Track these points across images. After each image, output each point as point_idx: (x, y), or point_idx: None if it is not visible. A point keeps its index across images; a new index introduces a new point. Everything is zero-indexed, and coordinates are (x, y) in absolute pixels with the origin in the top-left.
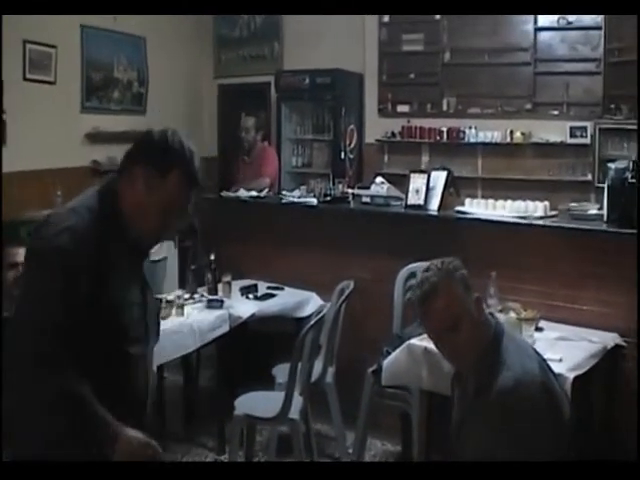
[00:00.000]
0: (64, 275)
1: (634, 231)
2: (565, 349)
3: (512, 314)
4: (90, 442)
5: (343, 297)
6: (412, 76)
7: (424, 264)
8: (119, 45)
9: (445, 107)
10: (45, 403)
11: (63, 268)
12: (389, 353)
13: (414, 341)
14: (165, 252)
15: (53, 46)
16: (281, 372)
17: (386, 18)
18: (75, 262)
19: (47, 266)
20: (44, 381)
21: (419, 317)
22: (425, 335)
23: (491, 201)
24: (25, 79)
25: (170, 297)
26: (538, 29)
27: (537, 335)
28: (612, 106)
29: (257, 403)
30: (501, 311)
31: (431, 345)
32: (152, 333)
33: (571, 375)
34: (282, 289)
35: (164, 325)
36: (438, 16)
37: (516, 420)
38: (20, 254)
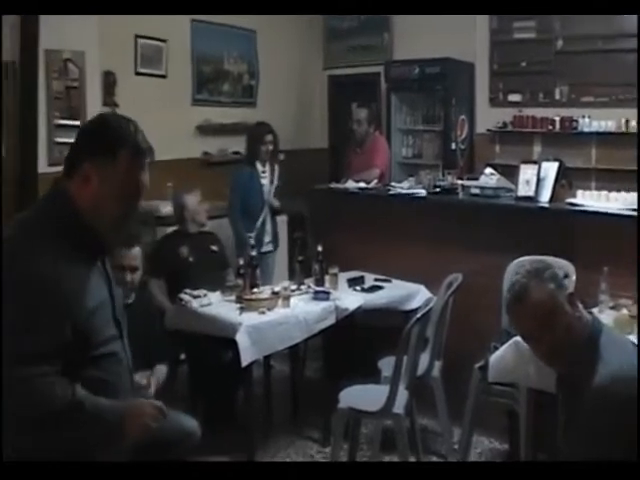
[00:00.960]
0: (30, 303)
1: None
2: None
3: (624, 311)
4: (102, 428)
5: (451, 290)
6: (524, 64)
7: (534, 258)
8: (229, 38)
9: (557, 96)
10: (52, 414)
11: (29, 295)
12: (496, 349)
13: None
14: (271, 246)
15: (164, 40)
16: (387, 365)
17: None
18: (38, 285)
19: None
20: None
21: (512, 320)
22: None
23: (604, 193)
24: (137, 73)
25: (277, 288)
26: None
27: None
28: None
29: (362, 396)
30: (613, 308)
31: None
32: (124, 326)
33: None
34: (389, 281)
35: (270, 316)
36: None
37: (615, 417)
38: (131, 257)
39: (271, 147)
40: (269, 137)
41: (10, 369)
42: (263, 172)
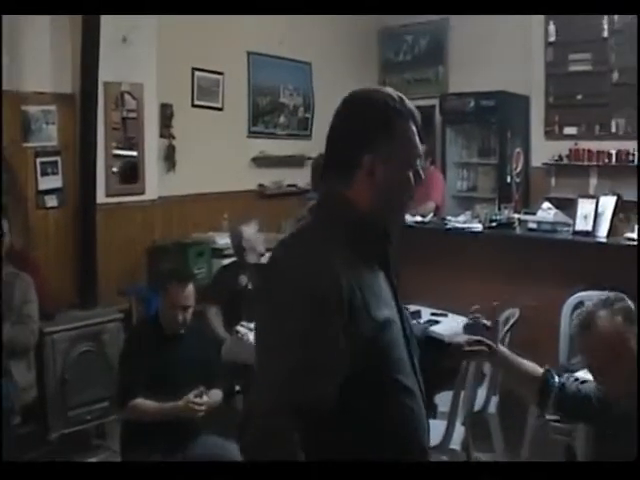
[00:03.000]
0: (318, 312)
1: None
2: None
3: None
4: None
5: (508, 325)
6: (579, 97)
7: (593, 293)
8: (285, 71)
9: (614, 128)
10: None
11: (315, 305)
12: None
13: (581, 374)
14: None
15: (220, 73)
16: (443, 400)
17: (552, 37)
18: (324, 293)
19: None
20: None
21: (578, 348)
22: None
23: None
24: (193, 105)
25: None
26: None
27: None
28: None
29: None
30: None
31: None
32: (414, 350)
33: None
34: (446, 315)
35: None
36: (606, 34)
37: None
38: (186, 295)
39: None
40: None
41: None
42: None
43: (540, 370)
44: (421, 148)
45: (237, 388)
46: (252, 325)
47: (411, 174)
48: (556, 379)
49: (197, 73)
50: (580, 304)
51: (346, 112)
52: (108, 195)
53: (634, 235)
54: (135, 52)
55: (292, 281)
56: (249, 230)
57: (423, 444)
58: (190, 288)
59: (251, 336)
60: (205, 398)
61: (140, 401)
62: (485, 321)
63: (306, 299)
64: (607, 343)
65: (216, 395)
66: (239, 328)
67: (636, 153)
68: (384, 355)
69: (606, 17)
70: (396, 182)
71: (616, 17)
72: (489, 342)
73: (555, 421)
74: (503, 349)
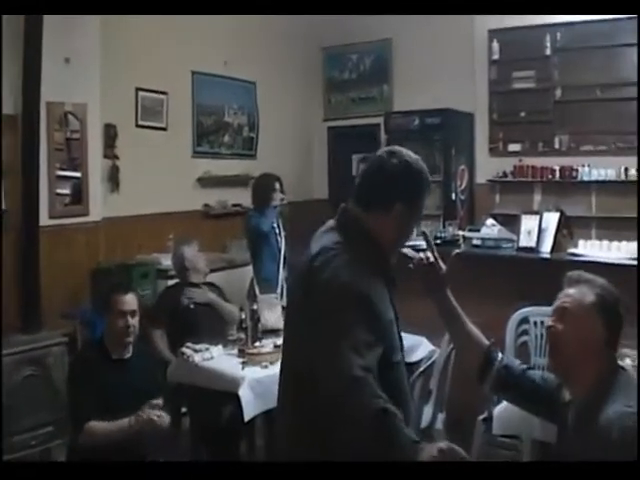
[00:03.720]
0: (361, 309)
1: None
2: None
3: (628, 361)
4: (393, 453)
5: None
6: (523, 114)
7: (537, 309)
8: (229, 90)
9: (557, 145)
10: (362, 422)
11: (360, 304)
12: (500, 401)
13: None
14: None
15: (164, 92)
16: None
17: (496, 55)
18: (364, 297)
19: (348, 306)
20: (363, 402)
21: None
22: None
23: (605, 242)
24: (137, 125)
25: (279, 342)
26: None
27: None
28: None
29: None
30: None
31: None
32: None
33: None
34: None
35: (273, 370)
36: (549, 52)
37: (613, 454)
38: (129, 302)
39: (281, 195)
40: (277, 185)
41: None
42: (272, 222)
43: (485, 341)
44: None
45: (183, 410)
46: (197, 346)
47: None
48: (499, 356)
49: (141, 93)
50: (524, 320)
51: (392, 163)
52: (51, 217)
53: (577, 250)
54: (78, 72)
55: (344, 285)
56: (191, 250)
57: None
58: (132, 295)
59: (197, 357)
60: (159, 414)
61: (95, 423)
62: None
63: (353, 298)
64: (577, 330)
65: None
66: (184, 350)
67: (580, 169)
68: (389, 344)
69: (549, 35)
70: (409, 229)
71: (558, 35)
72: (435, 257)
73: (501, 436)
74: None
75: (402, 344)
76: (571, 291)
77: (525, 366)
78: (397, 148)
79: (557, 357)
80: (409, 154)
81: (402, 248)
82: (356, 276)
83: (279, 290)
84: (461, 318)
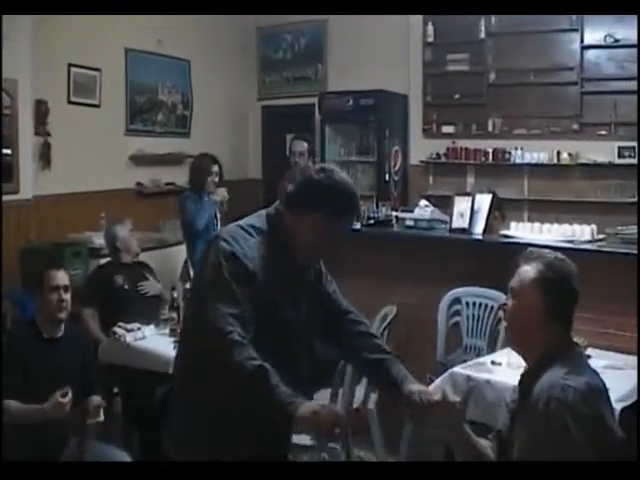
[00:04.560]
0: (240, 278)
1: None
2: (613, 378)
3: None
4: (270, 413)
5: (386, 323)
6: (457, 97)
7: (469, 289)
8: (163, 68)
9: (491, 128)
10: (241, 378)
11: (240, 272)
12: (432, 380)
13: (457, 369)
14: None
15: (97, 69)
16: (322, 398)
17: (430, 38)
18: (248, 268)
19: (229, 272)
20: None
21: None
22: (469, 363)
23: (537, 225)
24: (70, 102)
25: None
26: (584, 47)
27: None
28: None
29: None
30: None
31: (475, 374)
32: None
33: (619, 406)
34: None
35: None
36: (483, 35)
37: (551, 427)
38: (61, 277)
39: (217, 179)
40: (215, 168)
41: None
42: (210, 205)
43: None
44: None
45: (115, 390)
46: (129, 326)
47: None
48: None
49: (73, 69)
50: (456, 300)
51: (320, 177)
52: None
53: (509, 232)
54: (9, 47)
55: (230, 252)
56: (123, 230)
57: None
58: (63, 272)
59: (128, 337)
60: (68, 398)
61: (11, 403)
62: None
63: (232, 262)
64: (519, 306)
65: (96, 400)
66: (116, 329)
67: (513, 152)
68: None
69: (483, 19)
70: (326, 239)
71: (493, 19)
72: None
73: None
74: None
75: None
76: (518, 269)
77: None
78: (331, 167)
79: (509, 333)
80: (340, 175)
81: (318, 255)
82: (249, 250)
83: None
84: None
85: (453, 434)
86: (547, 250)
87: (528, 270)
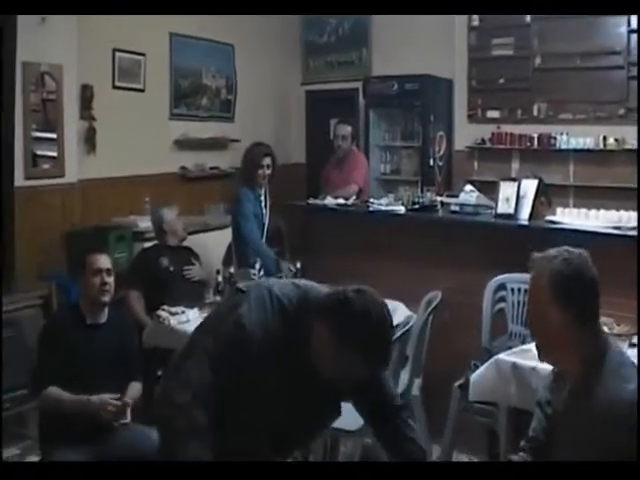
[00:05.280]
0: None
1: None
2: None
3: (605, 329)
4: None
5: (430, 308)
6: (502, 81)
7: (514, 275)
8: (207, 53)
9: (536, 113)
10: None
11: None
12: (477, 367)
13: (502, 356)
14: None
15: (142, 54)
16: None
17: (475, 22)
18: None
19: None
20: None
21: None
22: (514, 350)
23: (583, 211)
24: (114, 87)
25: None
26: (631, 31)
27: (630, 352)
28: None
29: (341, 414)
30: None
31: (520, 360)
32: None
33: None
34: None
35: None
36: (528, 19)
37: (608, 430)
38: (103, 261)
39: (268, 171)
40: (267, 160)
41: None
42: (259, 195)
43: None
44: None
45: (159, 373)
46: (173, 309)
47: None
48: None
49: (118, 54)
50: (502, 287)
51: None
52: (27, 178)
53: (555, 218)
54: (55, 32)
55: None
56: (170, 213)
57: None
58: (105, 255)
59: (172, 320)
60: (119, 402)
61: (53, 390)
62: None
63: None
64: (535, 297)
65: (135, 388)
66: (160, 312)
67: (558, 137)
68: None
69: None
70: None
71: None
72: None
73: (477, 402)
74: None
75: None
76: (530, 278)
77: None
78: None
79: (537, 349)
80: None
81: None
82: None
83: (258, 265)
84: None
85: None
86: (554, 250)
87: (538, 279)
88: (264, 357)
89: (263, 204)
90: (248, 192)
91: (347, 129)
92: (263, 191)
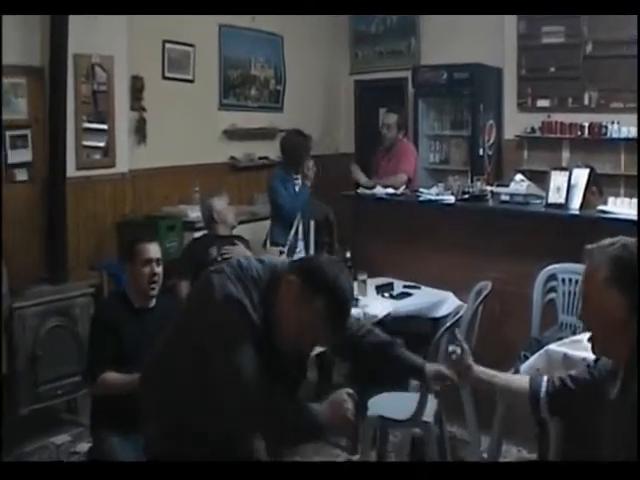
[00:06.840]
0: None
1: None
2: None
3: None
4: None
5: (480, 298)
6: (552, 70)
7: (565, 265)
8: (256, 43)
9: (587, 101)
10: None
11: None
12: (527, 357)
13: (553, 346)
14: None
15: (191, 45)
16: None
17: None
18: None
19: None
20: None
21: None
22: (564, 340)
23: (635, 200)
24: (164, 77)
25: None
26: None
27: None
28: None
29: (390, 404)
30: None
31: (570, 351)
32: None
33: None
34: (418, 288)
35: None
36: None
37: None
38: (154, 250)
39: (312, 163)
40: (310, 163)
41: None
42: (296, 179)
43: (524, 383)
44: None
45: None
46: None
47: None
48: (542, 386)
49: (168, 45)
50: (552, 277)
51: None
52: (78, 168)
53: (607, 208)
54: (105, 24)
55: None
56: (220, 202)
57: None
58: (155, 244)
59: None
60: None
61: (110, 374)
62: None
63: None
64: (591, 287)
65: None
66: None
67: (609, 126)
68: None
69: None
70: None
71: None
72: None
73: None
74: (478, 370)
75: None
76: (584, 270)
77: (568, 374)
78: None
79: (590, 340)
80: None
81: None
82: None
83: (286, 248)
84: (499, 383)
85: None
86: (607, 240)
87: (595, 269)
88: (235, 323)
89: (299, 187)
90: (284, 176)
91: (392, 118)
92: (306, 187)
